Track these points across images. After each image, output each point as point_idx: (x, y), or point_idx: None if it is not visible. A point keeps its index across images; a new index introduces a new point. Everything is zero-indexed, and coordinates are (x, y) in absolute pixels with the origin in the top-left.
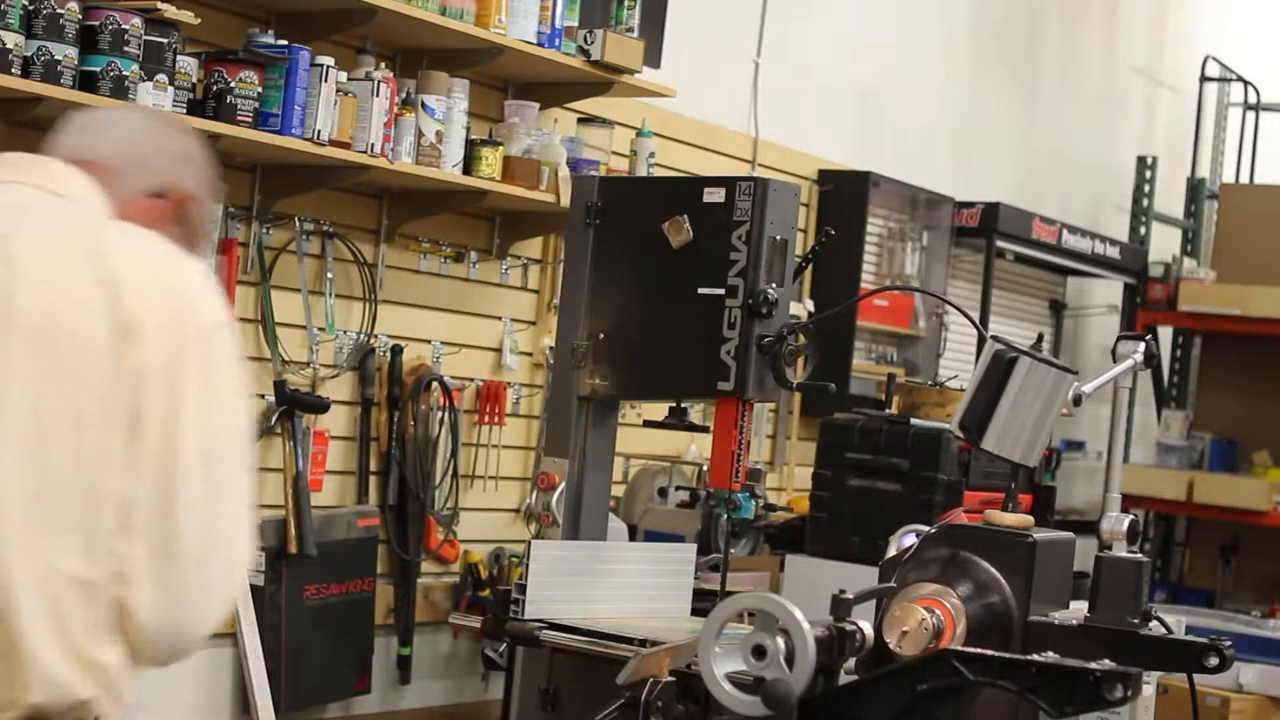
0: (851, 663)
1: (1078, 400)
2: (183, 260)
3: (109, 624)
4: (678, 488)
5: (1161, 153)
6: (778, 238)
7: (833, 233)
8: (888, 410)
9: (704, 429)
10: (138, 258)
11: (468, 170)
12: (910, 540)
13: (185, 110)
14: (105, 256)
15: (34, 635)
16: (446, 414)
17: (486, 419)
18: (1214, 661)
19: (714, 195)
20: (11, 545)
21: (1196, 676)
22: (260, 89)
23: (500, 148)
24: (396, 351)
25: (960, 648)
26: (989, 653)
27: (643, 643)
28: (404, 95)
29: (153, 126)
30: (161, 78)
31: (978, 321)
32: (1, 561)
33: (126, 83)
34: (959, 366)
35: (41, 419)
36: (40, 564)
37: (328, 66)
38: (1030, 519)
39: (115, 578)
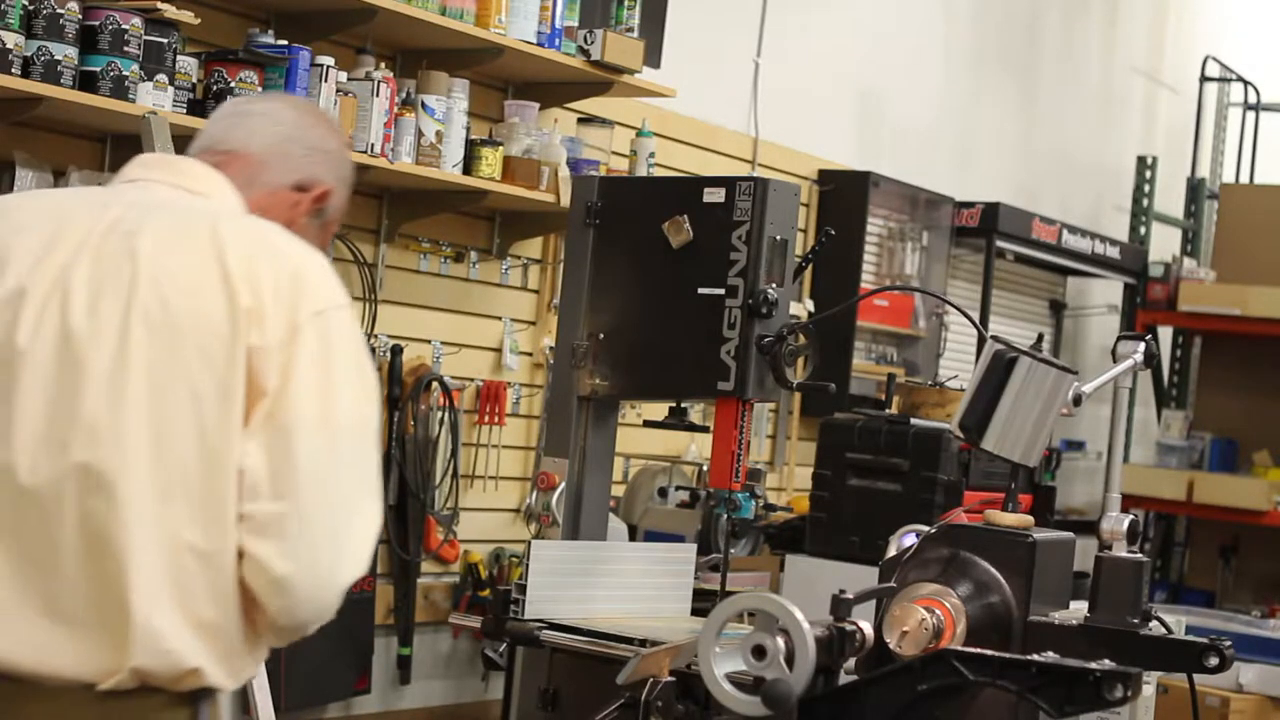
0: (851, 663)
1: (1078, 400)
2: (299, 248)
3: (227, 594)
4: (678, 488)
5: (1161, 153)
6: (778, 238)
7: (833, 233)
8: (888, 410)
9: (704, 429)
10: (255, 247)
11: (468, 170)
12: (910, 540)
13: (185, 110)
14: (224, 248)
15: (142, 601)
16: (446, 414)
17: (486, 419)
18: (1214, 661)
19: (714, 195)
20: (132, 514)
21: (1196, 676)
22: (260, 89)
23: (500, 148)
24: (396, 351)
25: (960, 648)
26: (989, 653)
27: (643, 643)
28: (404, 95)
29: (299, 120)
30: (161, 78)
31: (978, 321)
32: (120, 529)
33: (126, 83)
34: (959, 366)
35: (162, 399)
36: (159, 533)
37: (328, 66)
38: (1030, 519)
39: (247, 537)
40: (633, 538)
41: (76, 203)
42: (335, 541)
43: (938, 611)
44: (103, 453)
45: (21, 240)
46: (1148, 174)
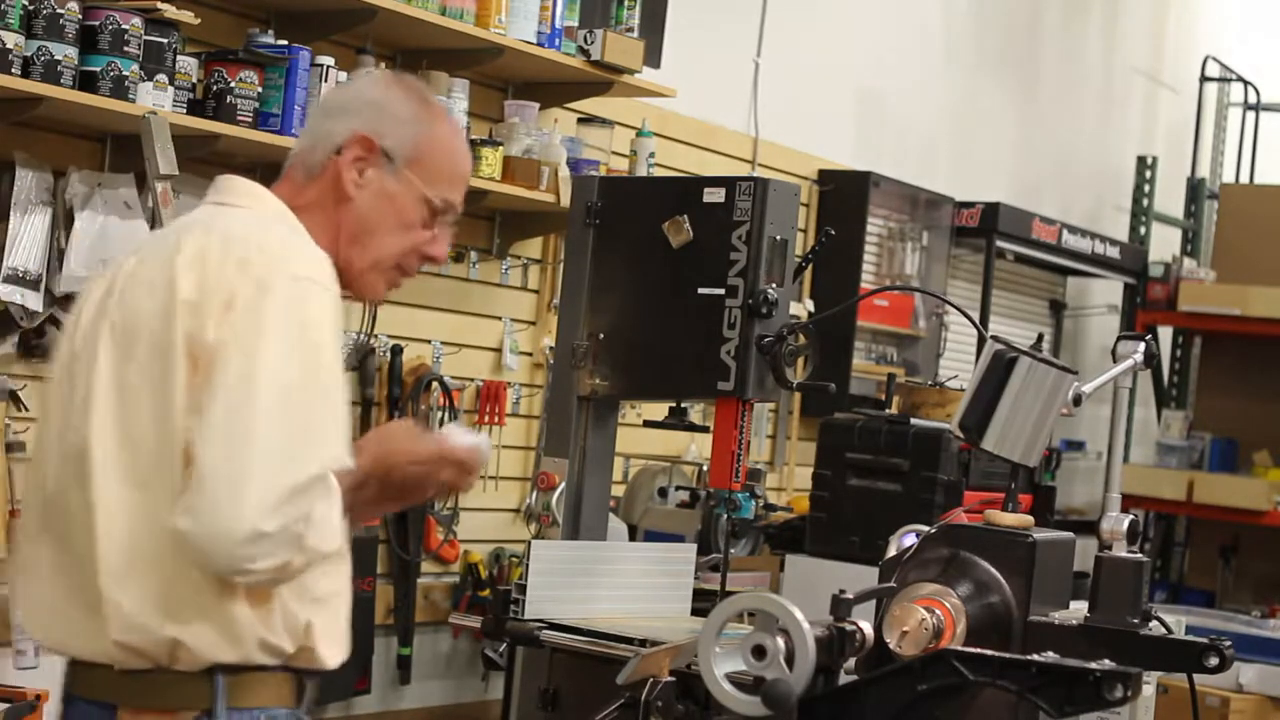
0: (851, 663)
1: (1078, 400)
2: (260, 236)
3: (182, 562)
4: (678, 488)
5: (1161, 153)
6: (778, 238)
7: (833, 233)
8: (888, 410)
9: (704, 429)
10: (210, 240)
11: None
12: (910, 540)
13: (185, 110)
14: (180, 247)
15: (109, 579)
16: (446, 414)
17: (486, 419)
18: (1214, 661)
19: (714, 195)
20: (100, 501)
21: (1196, 676)
22: (260, 89)
23: (500, 148)
24: (396, 351)
25: (960, 648)
26: (989, 653)
27: (643, 643)
28: None
29: (342, 92)
30: (161, 78)
31: (978, 321)
32: (93, 516)
33: (126, 83)
34: (959, 366)
35: (124, 396)
36: (126, 515)
37: (328, 66)
38: (1030, 519)
39: None
40: (633, 538)
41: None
42: (231, 494)
43: (938, 611)
44: (81, 450)
45: (92, 279)
46: (1148, 174)
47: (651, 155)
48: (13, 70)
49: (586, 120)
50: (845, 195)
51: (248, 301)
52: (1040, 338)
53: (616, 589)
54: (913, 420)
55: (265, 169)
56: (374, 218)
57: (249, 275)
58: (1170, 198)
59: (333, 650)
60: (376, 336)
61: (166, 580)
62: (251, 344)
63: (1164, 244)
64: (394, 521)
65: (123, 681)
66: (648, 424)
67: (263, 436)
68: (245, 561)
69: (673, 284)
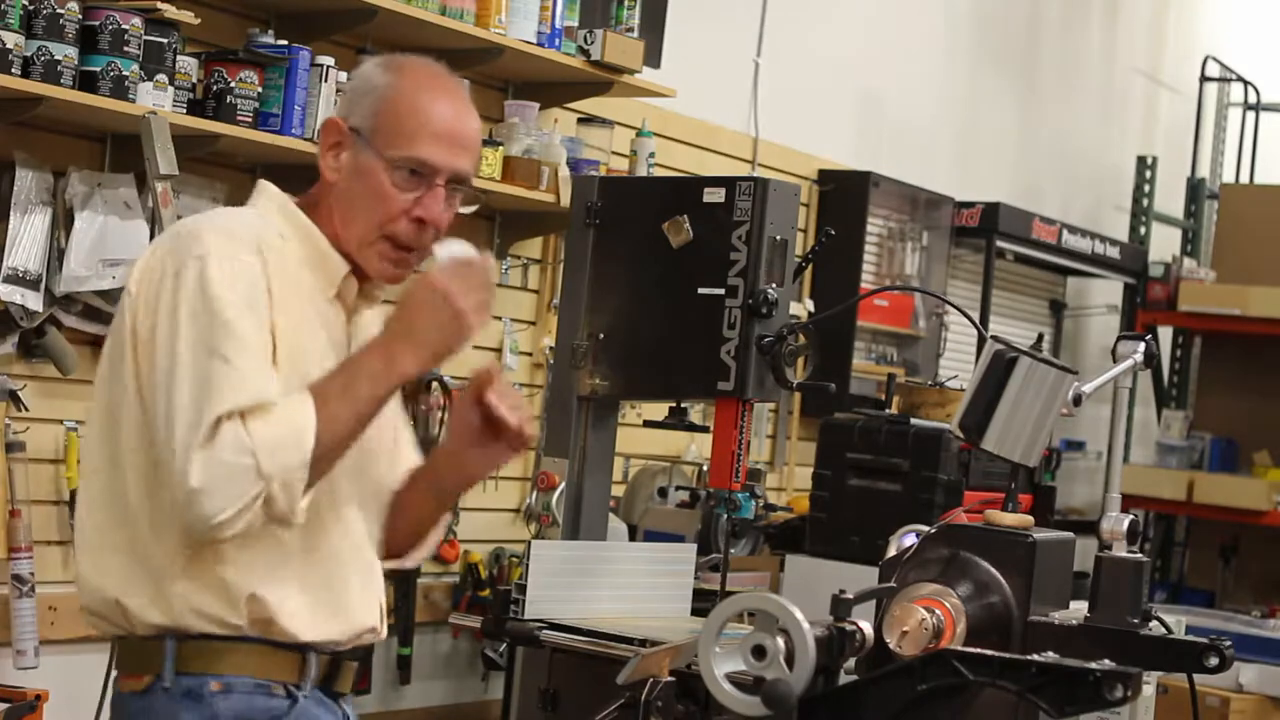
0: (851, 663)
1: (1078, 400)
2: (196, 222)
3: (133, 538)
4: (678, 488)
5: (1161, 153)
6: (778, 238)
7: (833, 233)
8: (888, 410)
9: (704, 429)
10: (161, 237)
11: None
12: (910, 540)
13: (185, 110)
14: (146, 247)
15: (79, 552)
16: (446, 414)
17: None
18: (1214, 661)
19: (714, 195)
20: (84, 478)
21: (1196, 676)
22: (260, 89)
23: (500, 148)
24: None
25: (960, 648)
26: (989, 653)
27: (643, 643)
28: None
29: (348, 82)
30: (161, 78)
31: (978, 321)
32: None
33: (126, 83)
34: (959, 366)
35: (108, 388)
36: (97, 491)
37: (328, 66)
38: (1030, 519)
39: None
40: (633, 538)
41: None
42: (170, 469)
43: (938, 611)
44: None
45: None
46: (1148, 174)
47: (651, 155)
48: (13, 70)
49: (586, 120)
50: (845, 195)
51: (165, 289)
52: (1040, 338)
53: (616, 589)
54: (913, 420)
55: (265, 169)
56: (351, 196)
57: (170, 263)
58: (1170, 198)
59: (308, 622)
60: None
61: (116, 549)
62: (167, 329)
63: (1164, 244)
64: None
65: (116, 649)
66: (648, 424)
67: (179, 408)
68: (206, 521)
69: (673, 284)
